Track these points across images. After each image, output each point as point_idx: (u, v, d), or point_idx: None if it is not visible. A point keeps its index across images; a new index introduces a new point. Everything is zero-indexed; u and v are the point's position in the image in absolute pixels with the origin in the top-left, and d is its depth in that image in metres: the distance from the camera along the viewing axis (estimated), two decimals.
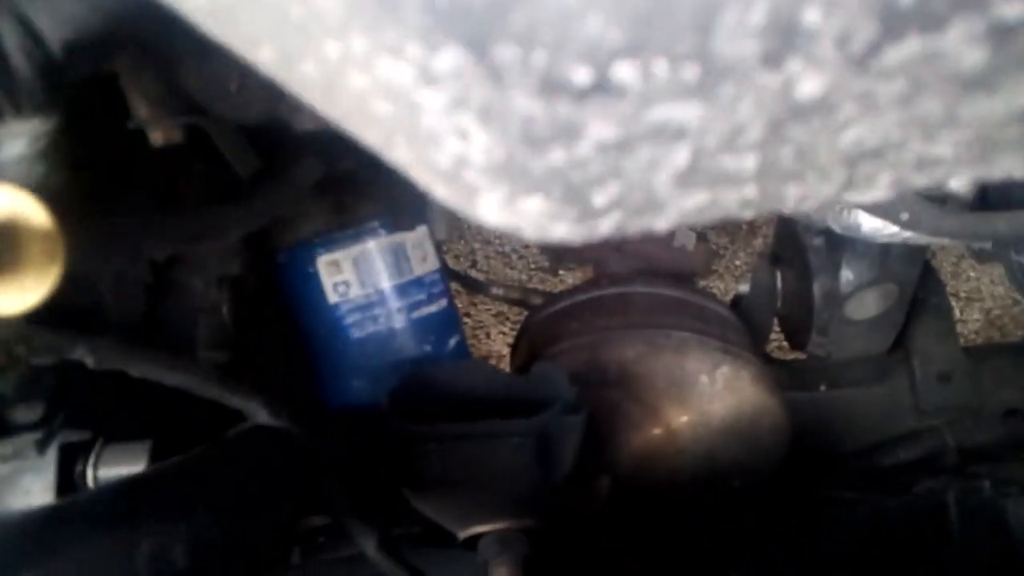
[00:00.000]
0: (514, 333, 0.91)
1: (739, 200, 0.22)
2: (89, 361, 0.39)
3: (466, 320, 1.39)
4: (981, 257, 0.81)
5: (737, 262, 1.34)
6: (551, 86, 0.15)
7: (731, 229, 1.43)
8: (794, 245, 0.94)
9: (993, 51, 0.15)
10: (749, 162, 0.19)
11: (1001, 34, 0.15)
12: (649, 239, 0.92)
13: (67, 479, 0.55)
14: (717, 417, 0.78)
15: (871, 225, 0.68)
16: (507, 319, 1.40)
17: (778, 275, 0.99)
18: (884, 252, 0.87)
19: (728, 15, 0.14)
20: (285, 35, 0.19)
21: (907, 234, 0.64)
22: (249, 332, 0.78)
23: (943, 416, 0.96)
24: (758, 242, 1.41)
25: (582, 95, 0.15)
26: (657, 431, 0.77)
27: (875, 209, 0.58)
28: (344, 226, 0.74)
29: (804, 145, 0.19)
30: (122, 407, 0.58)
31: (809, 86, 0.16)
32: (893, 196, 0.22)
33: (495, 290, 0.98)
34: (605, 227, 0.23)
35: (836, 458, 0.98)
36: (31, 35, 0.31)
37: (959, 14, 0.15)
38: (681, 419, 0.78)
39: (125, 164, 0.59)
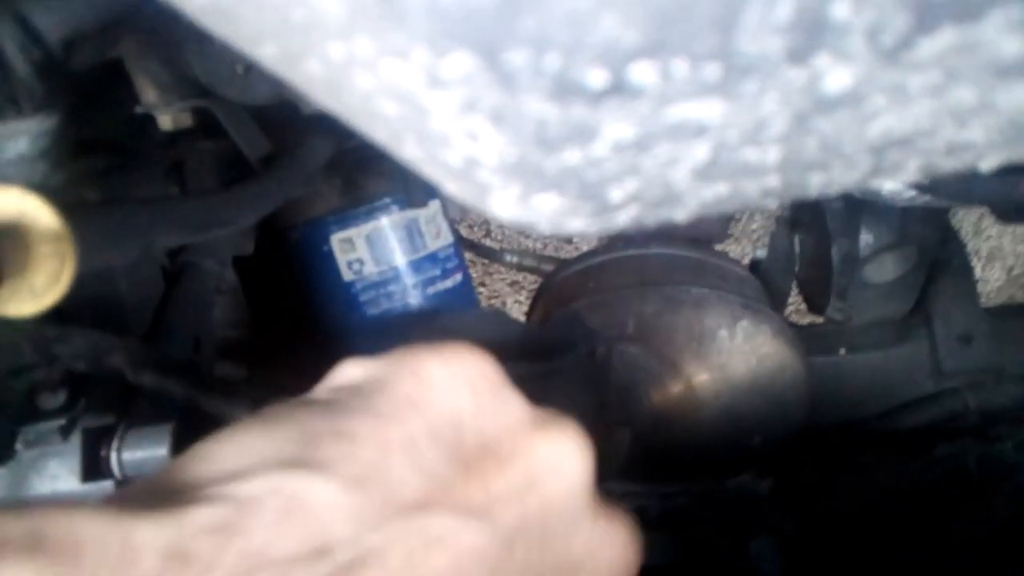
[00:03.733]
0: (529, 302, 0.91)
1: (761, 190, 0.21)
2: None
3: (481, 290, 1.39)
4: (1003, 218, 0.79)
5: (754, 226, 1.33)
6: (565, 89, 0.15)
7: None
8: (812, 209, 0.93)
9: None
10: (772, 154, 0.19)
11: None
12: None
13: (92, 463, 0.56)
14: (737, 372, 0.78)
15: (891, 188, 0.67)
16: (522, 288, 1.39)
17: (796, 239, 0.98)
18: (904, 215, 0.85)
19: (752, 12, 0.13)
20: (288, 35, 0.18)
21: (927, 197, 0.63)
22: (264, 309, 0.78)
23: (964, 378, 0.95)
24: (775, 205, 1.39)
25: (598, 97, 0.15)
26: (677, 386, 0.77)
27: None
28: (356, 204, 0.73)
29: (830, 136, 0.18)
30: (143, 390, 0.59)
31: (837, 80, 0.15)
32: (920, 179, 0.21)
33: (509, 258, 0.97)
34: (622, 220, 0.22)
35: (856, 422, 0.98)
36: (30, 34, 0.30)
37: (997, 3, 0.14)
38: (701, 374, 0.78)
39: (135, 149, 0.59)
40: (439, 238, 0.77)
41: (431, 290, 0.75)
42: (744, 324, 0.78)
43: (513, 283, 1.41)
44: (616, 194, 0.20)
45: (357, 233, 0.74)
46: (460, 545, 0.24)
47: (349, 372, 0.29)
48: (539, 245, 1.36)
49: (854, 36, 0.14)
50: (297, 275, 0.77)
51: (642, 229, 0.23)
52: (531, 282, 1.38)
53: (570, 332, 0.64)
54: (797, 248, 0.98)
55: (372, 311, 0.73)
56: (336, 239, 0.73)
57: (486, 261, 1.18)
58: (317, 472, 0.23)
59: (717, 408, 0.77)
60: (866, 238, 0.89)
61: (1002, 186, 0.59)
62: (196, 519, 0.21)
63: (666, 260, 0.85)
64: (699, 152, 0.18)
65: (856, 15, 0.14)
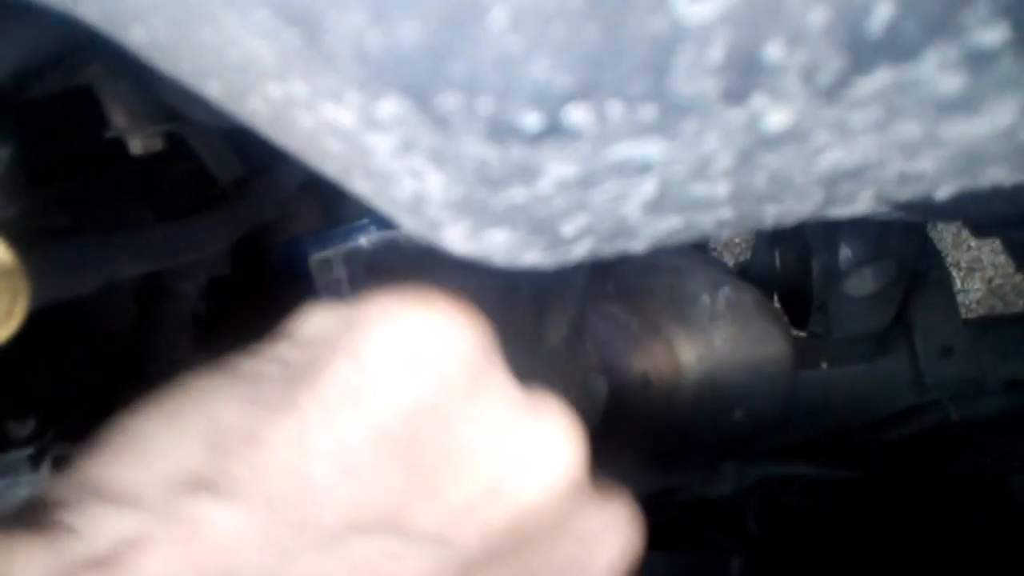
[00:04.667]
0: None
1: (715, 222, 0.21)
2: None
3: None
4: (980, 231, 0.79)
5: (736, 239, 1.33)
6: (501, 131, 0.14)
7: None
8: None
9: (971, 77, 0.14)
10: (721, 188, 0.18)
11: (978, 60, 0.14)
12: None
13: None
14: (718, 337, 0.75)
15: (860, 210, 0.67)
16: None
17: (776, 253, 0.98)
18: (882, 229, 0.86)
19: (684, 55, 0.13)
20: (228, 74, 0.18)
21: (902, 213, 0.63)
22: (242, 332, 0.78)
23: (945, 390, 0.95)
24: None
25: (535, 138, 0.15)
26: (657, 346, 0.75)
27: None
28: (335, 224, 0.73)
29: (778, 171, 0.18)
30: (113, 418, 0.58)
31: (777, 119, 0.15)
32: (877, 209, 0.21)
33: None
34: (578, 253, 0.22)
35: (839, 435, 0.98)
36: None
37: (933, 43, 0.14)
38: (681, 335, 0.75)
39: (106, 174, 0.58)
40: None
41: None
42: (726, 291, 0.76)
43: None
44: (568, 229, 0.20)
45: (335, 254, 0.73)
46: (402, 574, 0.21)
47: (300, 329, 0.24)
48: None
49: (789, 76, 0.14)
50: (274, 296, 0.77)
51: (599, 258, 0.23)
52: None
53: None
54: (778, 262, 0.98)
55: None
56: (313, 261, 0.72)
57: None
58: (221, 496, 0.20)
59: (699, 374, 0.74)
60: (845, 252, 0.90)
61: (975, 201, 0.59)
62: (77, 552, 0.19)
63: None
64: (646, 188, 0.18)
65: (790, 56, 0.13)
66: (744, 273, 0.95)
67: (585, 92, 0.14)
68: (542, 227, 0.19)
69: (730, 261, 1.33)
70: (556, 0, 0.12)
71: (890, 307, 0.93)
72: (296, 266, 0.71)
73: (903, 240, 0.87)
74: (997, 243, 1.22)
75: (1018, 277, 1.21)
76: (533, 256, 0.22)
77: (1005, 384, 0.96)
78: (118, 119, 0.55)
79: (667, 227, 0.21)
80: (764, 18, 0.13)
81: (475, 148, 0.15)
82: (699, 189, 0.18)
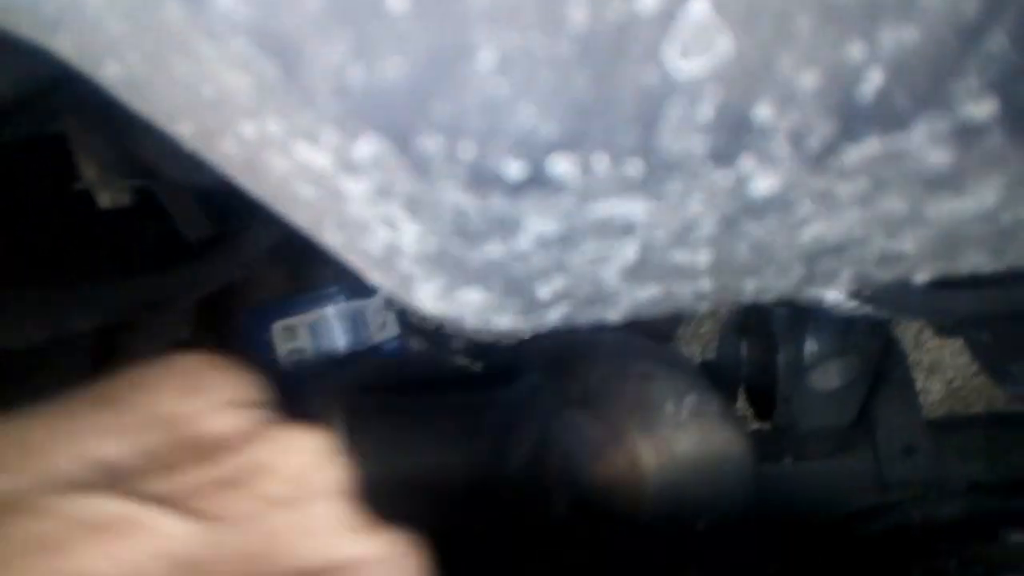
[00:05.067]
0: None
1: (694, 293, 0.21)
2: None
3: None
4: (943, 331, 0.81)
5: (703, 329, 1.34)
6: (482, 179, 0.14)
7: None
8: (759, 314, 0.94)
9: (959, 151, 0.14)
10: (703, 257, 0.18)
11: (967, 134, 0.14)
12: None
13: None
14: (682, 447, 0.76)
15: (833, 298, 0.68)
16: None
17: (743, 344, 0.98)
18: (847, 324, 0.87)
19: (674, 110, 0.13)
20: (201, 112, 0.17)
21: (868, 308, 0.63)
22: None
23: (907, 490, 0.95)
24: (724, 310, 1.41)
25: (517, 189, 0.14)
26: (620, 454, 0.75)
27: None
28: (302, 291, 0.72)
29: (760, 241, 0.17)
30: None
31: (764, 184, 0.15)
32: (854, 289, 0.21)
33: (456, 345, 0.96)
34: (553, 318, 0.21)
35: (801, 532, 0.96)
36: None
37: (923, 114, 0.13)
38: (645, 444, 0.75)
39: (72, 225, 0.57)
40: (385, 330, 0.76)
41: None
42: (691, 399, 0.77)
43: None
44: (544, 291, 0.19)
45: (300, 321, 0.72)
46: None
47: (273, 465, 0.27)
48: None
49: (778, 139, 0.14)
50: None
51: (574, 326, 0.22)
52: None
53: (515, 369, 0.62)
54: (744, 353, 0.99)
55: None
56: (278, 327, 0.71)
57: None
58: None
59: (660, 483, 0.74)
60: (811, 345, 0.90)
61: (939, 300, 0.60)
62: None
63: (619, 340, 0.84)
64: (627, 251, 0.17)
65: (780, 118, 0.13)
66: (710, 366, 0.96)
67: (571, 142, 0.13)
68: (518, 288, 0.19)
69: (698, 349, 1.34)
70: (546, 44, 0.12)
71: (854, 404, 0.93)
72: (261, 332, 0.70)
73: (867, 337, 0.88)
74: (958, 344, 1.24)
75: (978, 379, 1.22)
76: (506, 320, 0.21)
77: (967, 487, 0.96)
78: (88, 171, 0.54)
79: (645, 296, 0.20)
80: (755, 77, 0.13)
81: (454, 196, 0.14)
82: (681, 256, 0.18)
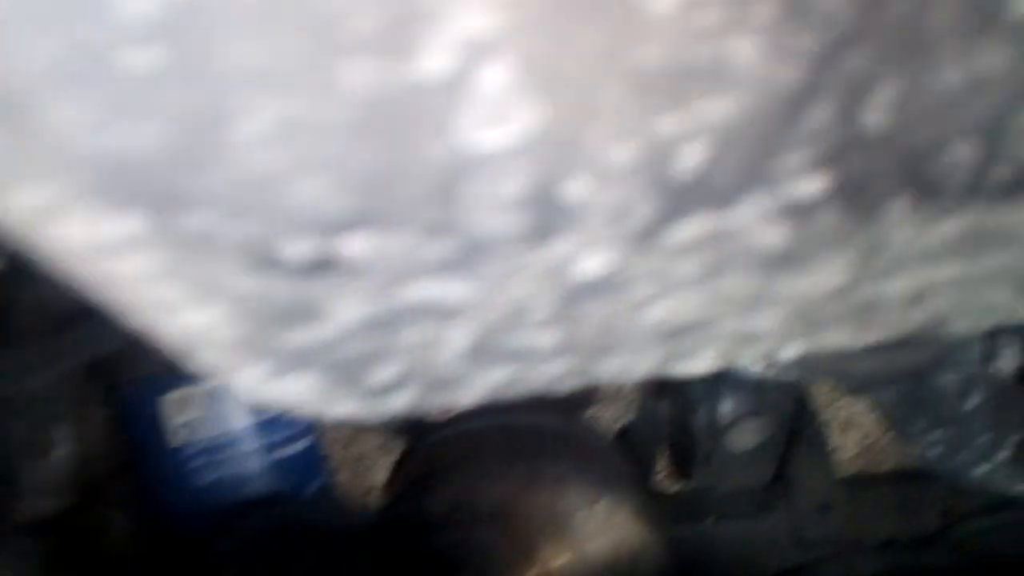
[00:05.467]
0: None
1: (550, 375, 0.19)
2: None
3: (346, 451, 1.31)
4: (851, 391, 0.82)
5: (627, 390, 1.33)
6: (263, 262, 0.12)
7: None
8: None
9: (793, 229, 0.13)
10: (547, 338, 0.17)
11: (799, 212, 0.13)
12: None
13: None
14: (596, 555, 0.75)
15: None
16: (392, 451, 1.32)
17: (662, 406, 0.98)
18: (759, 383, 0.87)
19: (475, 186, 0.12)
20: None
21: (775, 370, 0.64)
22: (100, 472, 0.70)
23: (825, 548, 0.95)
24: None
25: (306, 272, 0.12)
26: (531, 571, 0.74)
27: None
28: None
29: (605, 322, 0.16)
30: None
31: (590, 264, 0.13)
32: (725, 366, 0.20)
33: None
34: (399, 403, 0.20)
35: None
36: None
37: (749, 191, 0.12)
38: (558, 559, 0.75)
39: None
40: None
41: (273, 456, 0.69)
42: (602, 505, 0.77)
43: (382, 445, 1.34)
44: (378, 377, 0.17)
45: (194, 392, 0.67)
46: None
47: None
48: None
49: (597, 218, 0.12)
50: (124, 438, 0.70)
51: (426, 411, 0.20)
52: (402, 445, 1.31)
53: (415, 519, 0.60)
54: (664, 414, 0.98)
55: (202, 480, 0.66)
56: (168, 400, 0.67)
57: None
58: None
59: None
60: (726, 406, 0.91)
61: (843, 362, 0.61)
62: None
63: (534, 431, 0.83)
64: (458, 334, 0.15)
65: (596, 195, 0.12)
66: (631, 427, 0.96)
67: (364, 220, 0.12)
68: (347, 374, 0.17)
69: (622, 411, 1.33)
70: (321, 112, 0.11)
71: (770, 463, 0.93)
72: (145, 406, 0.65)
73: (779, 396, 0.89)
74: (870, 401, 1.26)
75: (891, 434, 1.24)
76: (346, 406, 0.19)
77: (882, 544, 0.97)
78: None
79: (496, 378, 0.19)
80: (564, 152, 0.11)
81: (235, 280, 0.12)
82: (522, 338, 0.16)
